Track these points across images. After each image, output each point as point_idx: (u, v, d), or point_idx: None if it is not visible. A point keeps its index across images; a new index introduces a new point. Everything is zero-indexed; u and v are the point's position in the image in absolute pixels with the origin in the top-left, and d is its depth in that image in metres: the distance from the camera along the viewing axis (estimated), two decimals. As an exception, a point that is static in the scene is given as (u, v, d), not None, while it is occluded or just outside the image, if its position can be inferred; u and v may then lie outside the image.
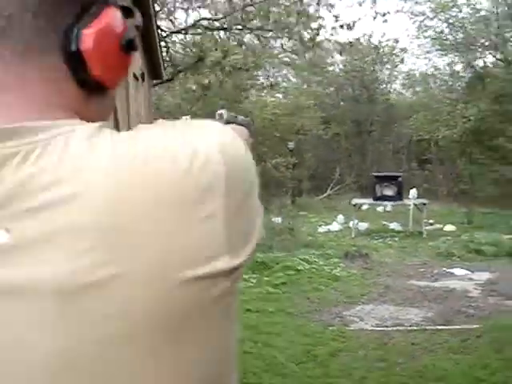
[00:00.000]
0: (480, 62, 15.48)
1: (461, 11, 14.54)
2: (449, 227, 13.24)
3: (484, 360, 4.96)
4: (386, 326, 6.14)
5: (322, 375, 4.68)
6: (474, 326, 5.98)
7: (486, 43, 14.36)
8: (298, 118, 14.62)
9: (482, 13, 14.46)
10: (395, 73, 20.03)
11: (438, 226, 13.32)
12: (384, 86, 20.60)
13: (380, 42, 18.46)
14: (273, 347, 5.11)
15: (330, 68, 19.63)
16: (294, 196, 16.62)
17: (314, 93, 15.87)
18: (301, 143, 16.16)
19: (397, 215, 14.37)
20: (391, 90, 20.86)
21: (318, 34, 12.65)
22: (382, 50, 18.94)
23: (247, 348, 4.90)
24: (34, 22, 0.64)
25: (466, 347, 5.35)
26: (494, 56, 14.72)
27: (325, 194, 18.18)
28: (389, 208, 16.08)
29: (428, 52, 16.17)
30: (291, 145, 15.19)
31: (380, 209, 16.78)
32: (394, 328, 6.06)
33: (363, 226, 13.15)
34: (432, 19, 14.82)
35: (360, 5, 13.42)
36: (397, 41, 15.96)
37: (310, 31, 12.39)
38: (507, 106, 14.20)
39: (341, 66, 19.96)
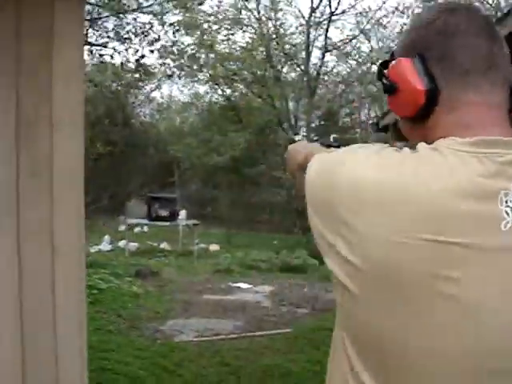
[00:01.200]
0: (236, 94, 16.96)
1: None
2: (213, 247, 14.11)
3: (313, 356, 5.61)
4: (208, 336, 6.44)
5: (180, 383, 4.79)
6: (287, 330, 6.66)
7: (249, 77, 15.85)
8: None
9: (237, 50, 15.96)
10: (150, 98, 20.62)
11: (203, 245, 14.04)
12: (139, 110, 21.04)
13: (137, 66, 18.55)
14: (123, 363, 5.03)
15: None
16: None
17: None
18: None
19: (154, 235, 14.85)
20: (145, 115, 21.37)
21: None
22: (138, 74, 19.23)
23: (104, 365, 4.76)
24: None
25: (291, 348, 5.97)
26: (252, 91, 16.31)
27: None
28: (145, 229, 16.50)
29: (190, 82, 17.10)
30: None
31: (137, 230, 16.99)
32: (216, 337, 6.39)
33: (133, 245, 13.23)
34: (197, 51, 15.72)
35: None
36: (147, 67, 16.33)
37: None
38: (265, 137, 15.88)
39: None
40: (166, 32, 13.35)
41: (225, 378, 4.99)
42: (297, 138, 1.73)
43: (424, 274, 0.83)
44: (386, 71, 1.03)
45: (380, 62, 1.07)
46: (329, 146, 1.49)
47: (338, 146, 1.42)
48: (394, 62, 1.01)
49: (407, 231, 0.84)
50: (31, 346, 2.24)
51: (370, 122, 20.95)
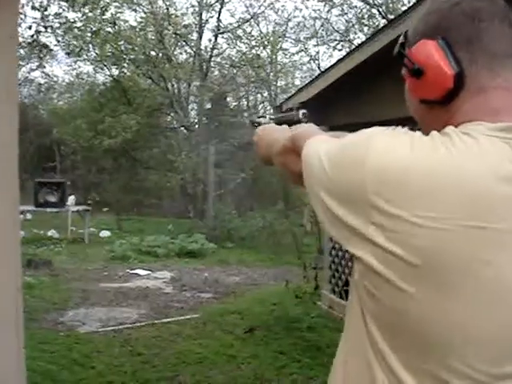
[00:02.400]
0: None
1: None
2: (104, 233, 13.66)
3: (225, 341, 5.62)
4: (114, 326, 6.24)
5: (95, 376, 4.62)
6: (194, 316, 6.61)
7: (132, 56, 15.36)
8: None
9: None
10: (30, 77, 19.45)
11: (92, 231, 13.54)
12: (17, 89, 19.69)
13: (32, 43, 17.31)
14: (29, 358, 4.69)
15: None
16: None
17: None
18: None
19: (39, 223, 14.14)
20: (25, 96, 20.09)
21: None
22: (20, 52, 18.08)
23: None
24: None
25: (200, 333, 5.94)
26: (142, 72, 15.82)
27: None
28: (28, 216, 15.64)
29: (74, 62, 16.27)
30: None
31: (20, 217, 16.05)
32: (122, 326, 6.22)
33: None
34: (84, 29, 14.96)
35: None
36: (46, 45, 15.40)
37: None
38: (157, 119, 15.51)
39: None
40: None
41: (139, 367, 4.87)
42: (263, 120, 1.63)
43: (468, 259, 0.83)
44: (406, 53, 0.99)
45: (400, 42, 1.02)
46: (298, 121, 1.42)
47: (307, 122, 1.38)
48: (417, 43, 0.98)
49: (450, 218, 0.83)
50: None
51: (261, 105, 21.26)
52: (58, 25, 13.88)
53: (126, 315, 6.74)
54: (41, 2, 12.66)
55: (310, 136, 1.09)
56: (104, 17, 14.52)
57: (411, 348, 0.89)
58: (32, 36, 12.99)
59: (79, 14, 14.33)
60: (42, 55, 15.08)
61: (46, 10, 12.92)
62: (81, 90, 18.32)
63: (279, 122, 1.49)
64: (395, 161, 0.86)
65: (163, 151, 15.81)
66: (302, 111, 1.46)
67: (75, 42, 14.74)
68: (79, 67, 17.19)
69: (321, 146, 1.00)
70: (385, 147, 0.88)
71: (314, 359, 4.93)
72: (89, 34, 14.47)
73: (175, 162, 14.50)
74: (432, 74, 0.95)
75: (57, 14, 13.66)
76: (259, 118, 1.63)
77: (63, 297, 7.49)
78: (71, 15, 14.39)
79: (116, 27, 14.75)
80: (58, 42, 14.69)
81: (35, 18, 13.39)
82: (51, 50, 14.71)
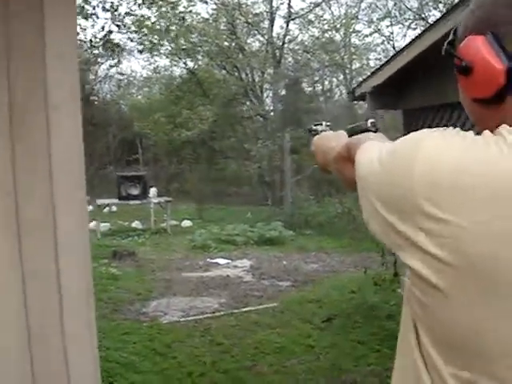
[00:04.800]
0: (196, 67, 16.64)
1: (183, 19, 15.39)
2: (186, 223, 13.96)
3: (303, 330, 5.61)
4: (195, 315, 6.38)
5: (176, 366, 4.73)
6: (273, 304, 6.65)
7: (205, 48, 15.57)
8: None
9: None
10: (110, 73, 20.14)
11: (175, 222, 13.87)
12: (98, 86, 20.50)
13: (105, 43, 17.95)
14: (112, 349, 4.93)
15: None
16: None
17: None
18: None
19: (124, 215, 14.64)
20: (106, 93, 20.84)
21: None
22: (98, 50, 18.70)
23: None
24: None
25: (278, 322, 5.96)
26: (216, 63, 16.01)
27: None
28: (114, 208, 16.19)
29: (151, 57, 16.69)
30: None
31: (106, 210, 16.66)
32: (202, 316, 6.34)
33: (105, 226, 13.00)
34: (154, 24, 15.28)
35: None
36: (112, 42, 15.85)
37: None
38: (233, 109, 15.69)
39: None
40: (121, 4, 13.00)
41: (218, 357, 4.95)
42: (320, 128, 1.62)
43: None
44: (454, 50, 0.96)
45: (448, 40, 1.00)
46: (365, 130, 1.40)
47: (376, 131, 1.35)
48: (465, 40, 0.94)
49: (502, 223, 0.78)
50: (39, 348, 2.13)
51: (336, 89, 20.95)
52: (129, 23, 14.26)
53: (206, 304, 6.87)
54: (112, 3, 13.06)
55: (363, 142, 1.10)
56: (175, 11, 14.74)
57: (463, 360, 0.85)
58: (105, 36, 13.42)
59: (149, 12, 14.64)
60: (115, 54, 15.54)
61: (116, 10, 13.32)
62: (158, 83, 18.76)
63: (350, 133, 1.49)
64: (445, 164, 0.82)
65: (240, 140, 15.93)
66: (370, 120, 1.44)
67: (147, 38, 15.07)
68: (155, 61, 17.60)
69: (373, 151, 0.98)
70: (434, 150, 0.84)
71: (394, 349, 4.77)
72: (159, 29, 14.73)
73: (252, 150, 14.58)
74: (481, 70, 0.90)
75: (127, 13, 14.04)
76: (316, 125, 1.64)
77: (147, 287, 7.73)
78: (143, 12, 14.73)
79: (186, 21, 14.94)
80: (131, 40, 15.08)
81: (106, 19, 13.85)
82: (123, 49, 15.11)
